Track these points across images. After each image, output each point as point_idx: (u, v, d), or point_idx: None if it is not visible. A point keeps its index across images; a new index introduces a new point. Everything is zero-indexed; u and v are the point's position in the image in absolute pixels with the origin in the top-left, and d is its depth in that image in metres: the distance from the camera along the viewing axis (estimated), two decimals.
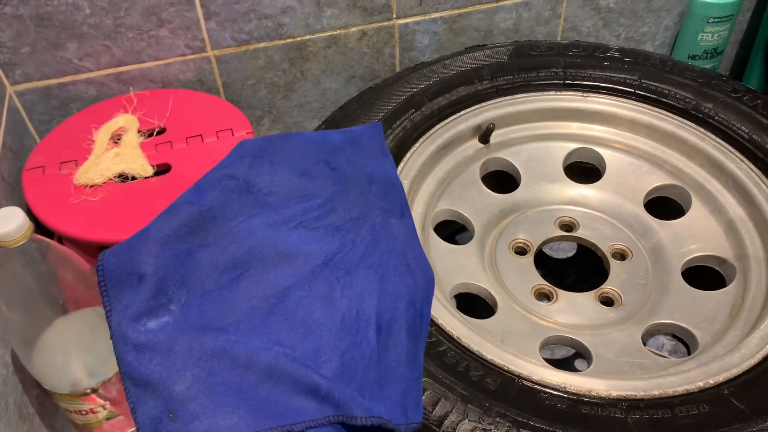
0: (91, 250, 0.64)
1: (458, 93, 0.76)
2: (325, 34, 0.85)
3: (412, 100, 0.75)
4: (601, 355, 0.61)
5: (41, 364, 0.56)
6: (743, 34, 1.07)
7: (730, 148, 0.71)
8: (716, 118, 0.73)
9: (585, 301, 0.67)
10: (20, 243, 0.50)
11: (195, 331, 0.51)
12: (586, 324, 0.65)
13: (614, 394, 0.52)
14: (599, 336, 0.63)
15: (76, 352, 0.58)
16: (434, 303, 0.58)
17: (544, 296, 0.68)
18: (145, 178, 0.67)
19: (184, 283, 0.54)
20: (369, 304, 0.54)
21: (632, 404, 0.51)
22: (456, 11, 0.89)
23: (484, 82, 0.78)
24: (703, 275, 0.70)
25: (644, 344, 0.63)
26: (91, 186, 0.66)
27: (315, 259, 0.57)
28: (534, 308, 0.66)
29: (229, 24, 0.80)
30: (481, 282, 0.67)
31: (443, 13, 0.89)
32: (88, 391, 0.59)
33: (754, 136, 0.71)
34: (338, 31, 0.86)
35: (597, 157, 0.79)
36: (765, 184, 0.68)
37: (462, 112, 0.76)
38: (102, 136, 0.72)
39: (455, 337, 0.56)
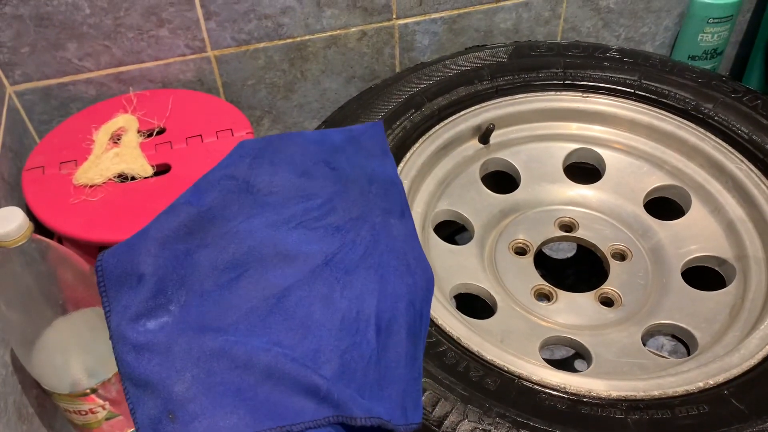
0: (91, 250, 0.64)
1: (458, 93, 0.76)
2: (325, 35, 0.85)
3: (412, 101, 0.75)
4: (600, 355, 0.61)
5: (41, 365, 0.56)
6: (743, 34, 1.07)
7: (730, 148, 0.71)
8: (716, 118, 0.73)
9: (585, 301, 0.67)
10: (20, 243, 0.50)
11: (194, 331, 0.51)
12: (585, 324, 0.65)
13: (614, 394, 0.52)
14: (599, 336, 0.63)
15: (76, 353, 0.57)
16: (434, 303, 0.58)
17: (543, 296, 0.68)
18: (145, 178, 0.67)
19: (183, 284, 0.54)
20: (369, 304, 0.54)
21: (632, 405, 0.51)
22: (456, 11, 0.89)
23: (484, 83, 0.78)
24: (703, 276, 0.70)
25: (644, 345, 0.63)
26: (91, 186, 0.66)
27: (315, 259, 0.57)
28: (534, 308, 0.66)
29: (229, 24, 0.80)
30: (481, 282, 0.67)
31: (443, 14, 0.89)
32: (88, 391, 0.59)
33: (753, 137, 0.71)
34: (338, 32, 0.86)
35: (597, 158, 0.79)
36: (765, 184, 0.68)
37: (462, 113, 0.76)
38: (102, 136, 0.72)
39: (455, 338, 0.56)
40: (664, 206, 0.76)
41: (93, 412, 0.60)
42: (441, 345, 0.55)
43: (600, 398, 0.51)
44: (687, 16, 0.97)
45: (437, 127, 0.74)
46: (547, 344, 0.63)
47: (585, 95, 0.78)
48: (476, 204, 0.75)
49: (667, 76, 0.77)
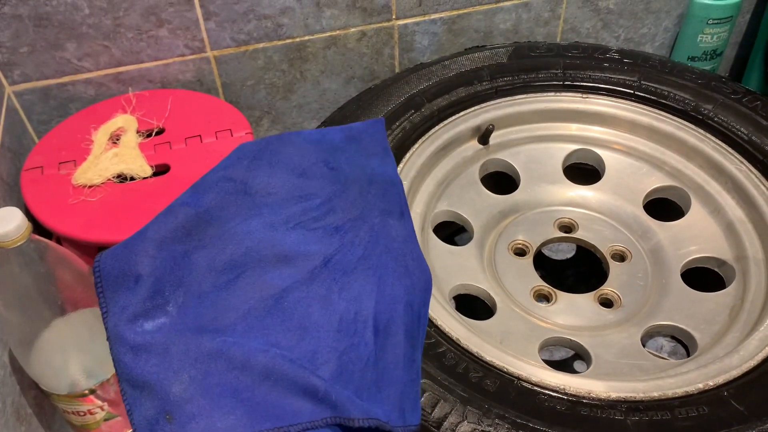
0: (90, 250, 0.64)
1: (458, 94, 0.76)
2: (324, 35, 0.85)
3: (412, 101, 0.75)
4: (600, 356, 0.61)
5: (39, 365, 0.56)
6: (743, 35, 1.07)
7: (730, 149, 0.71)
8: (716, 119, 0.73)
9: (584, 302, 0.67)
10: (18, 243, 0.50)
11: (192, 332, 0.51)
12: (585, 325, 0.65)
13: (613, 395, 0.52)
14: (598, 337, 0.63)
15: (75, 353, 0.57)
16: (433, 304, 0.58)
17: (543, 297, 0.68)
18: (144, 178, 0.67)
19: (180, 285, 0.54)
20: (367, 305, 0.54)
21: (631, 406, 0.51)
22: (455, 12, 0.89)
23: (484, 83, 0.78)
24: (703, 277, 0.70)
25: (643, 346, 0.62)
26: (90, 186, 0.66)
27: (313, 260, 0.57)
28: (533, 309, 0.66)
29: (228, 24, 0.80)
30: (481, 283, 0.67)
31: (443, 14, 0.89)
32: (86, 392, 0.58)
33: (753, 138, 0.71)
34: (338, 32, 0.86)
35: (596, 159, 0.78)
36: (764, 185, 0.68)
37: (461, 113, 0.76)
38: (101, 136, 0.72)
39: (454, 339, 0.56)
40: (663, 207, 0.76)
41: (91, 413, 0.60)
42: (440, 346, 0.55)
43: (599, 399, 0.51)
44: (686, 17, 0.96)
45: (437, 127, 0.74)
46: (546, 345, 0.63)
47: (584, 96, 0.78)
48: (476, 205, 0.75)
49: (667, 77, 0.77)
